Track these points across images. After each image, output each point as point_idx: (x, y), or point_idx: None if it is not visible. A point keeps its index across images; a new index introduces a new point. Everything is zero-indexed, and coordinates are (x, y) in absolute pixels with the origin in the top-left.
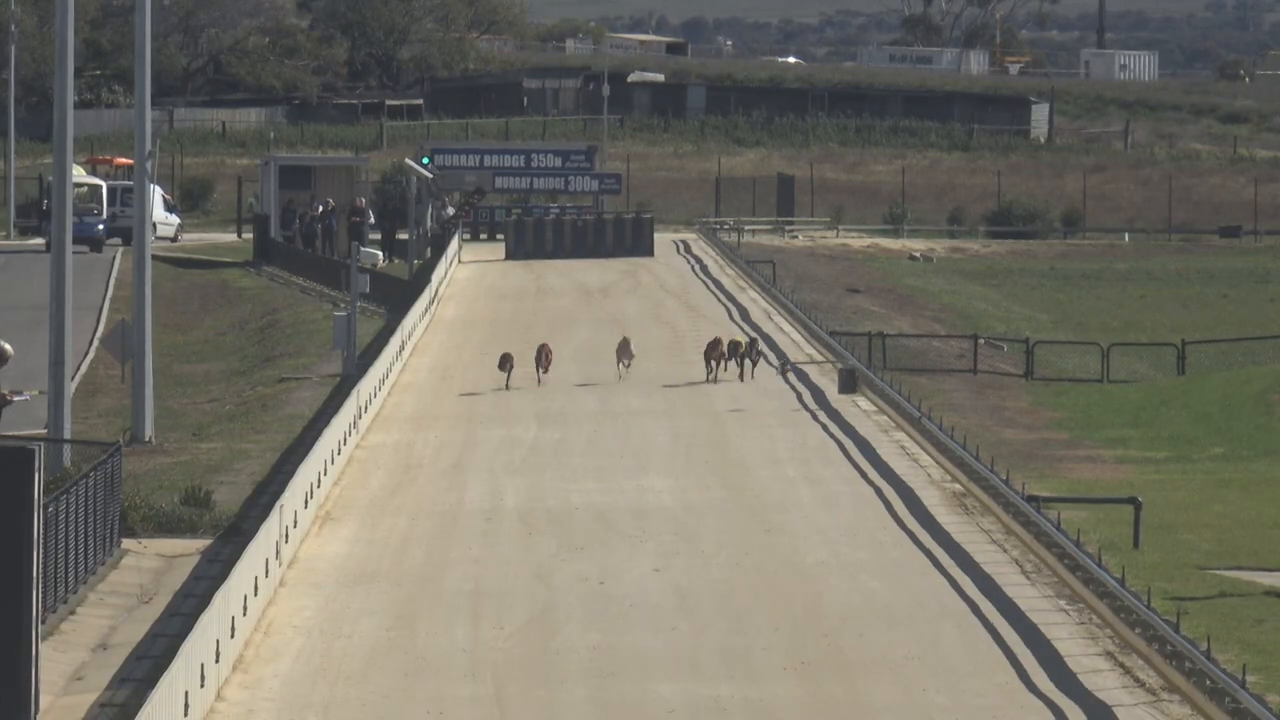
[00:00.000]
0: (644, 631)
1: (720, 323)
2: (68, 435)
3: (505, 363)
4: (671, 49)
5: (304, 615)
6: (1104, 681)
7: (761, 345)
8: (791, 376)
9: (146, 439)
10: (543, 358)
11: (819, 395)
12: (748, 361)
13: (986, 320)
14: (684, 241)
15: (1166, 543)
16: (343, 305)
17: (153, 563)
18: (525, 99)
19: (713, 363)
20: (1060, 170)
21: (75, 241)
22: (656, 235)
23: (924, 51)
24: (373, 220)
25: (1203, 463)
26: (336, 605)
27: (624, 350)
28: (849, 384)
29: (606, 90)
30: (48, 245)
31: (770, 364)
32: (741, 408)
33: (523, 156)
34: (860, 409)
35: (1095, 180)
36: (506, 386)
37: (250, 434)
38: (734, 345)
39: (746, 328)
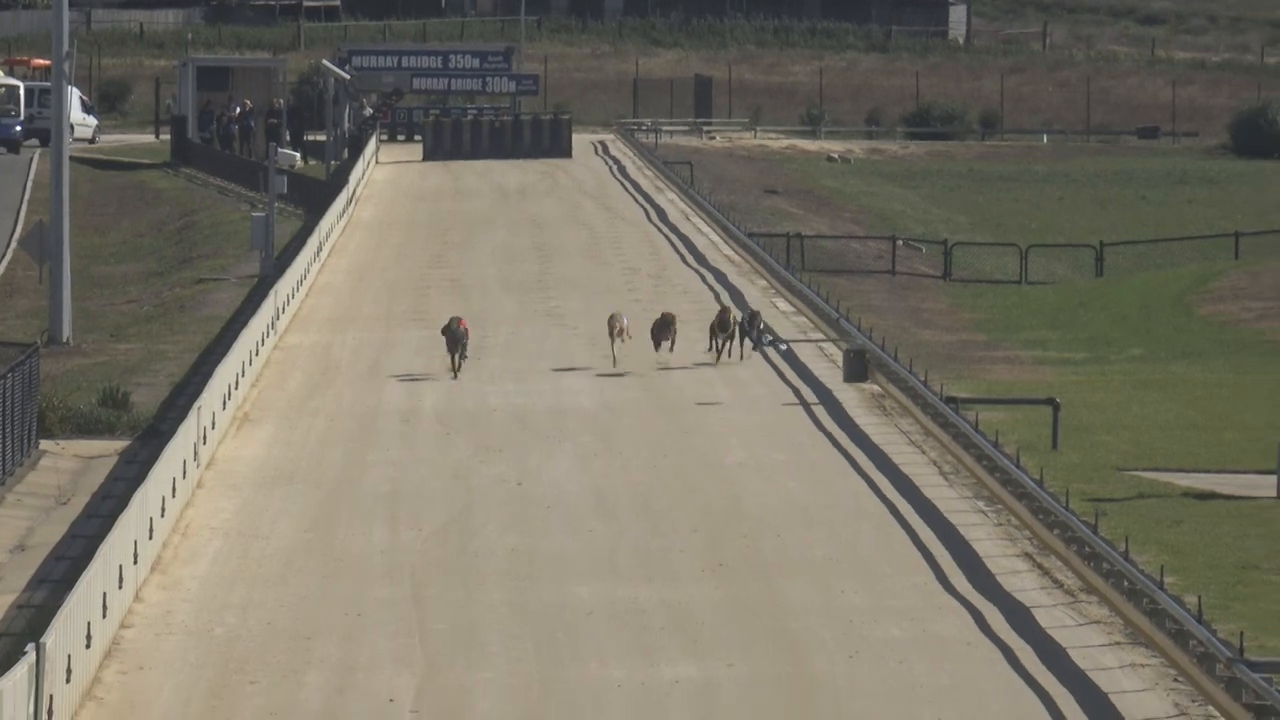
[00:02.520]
0: (562, 534)
1: (638, 224)
2: None
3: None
4: None
5: (222, 517)
6: (1022, 583)
7: (763, 322)
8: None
9: (64, 340)
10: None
11: (737, 296)
12: (747, 339)
13: (904, 222)
14: (602, 143)
15: (1085, 444)
16: (260, 206)
17: (70, 464)
18: (443, 0)
19: (717, 340)
20: (978, 72)
21: None
22: (574, 137)
23: None
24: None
25: (1121, 364)
26: (254, 507)
27: (614, 324)
28: (858, 369)
29: None
30: None
31: (769, 344)
32: (670, 307)
33: (440, 58)
34: (779, 310)
35: (1013, 82)
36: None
37: (168, 335)
38: (727, 320)
39: (665, 229)
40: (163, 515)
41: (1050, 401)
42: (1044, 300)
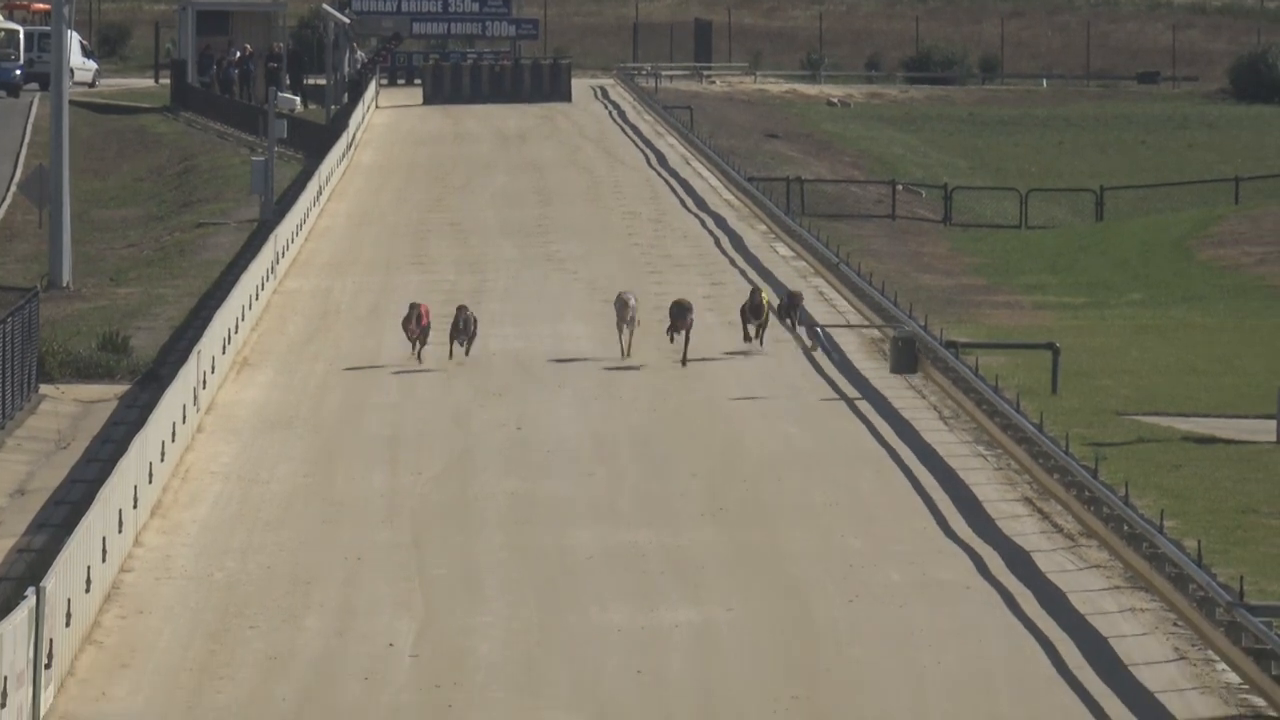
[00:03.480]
0: (562, 478)
1: (638, 168)
2: None
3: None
4: None
5: (222, 461)
6: (1022, 527)
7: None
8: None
9: (64, 284)
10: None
11: (737, 241)
12: (787, 320)
13: (904, 166)
14: (602, 87)
15: (1084, 388)
16: (260, 151)
17: (70, 408)
18: None
19: (750, 327)
20: (978, 16)
21: None
22: (574, 81)
23: None
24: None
25: (1121, 308)
26: (254, 451)
27: (620, 312)
28: (907, 359)
29: None
30: None
31: (800, 335)
32: (669, 254)
33: (440, 2)
34: (779, 254)
35: (1013, 26)
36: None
37: (168, 279)
38: (760, 301)
39: (664, 173)
40: (162, 460)
41: (1050, 346)
42: (1044, 244)
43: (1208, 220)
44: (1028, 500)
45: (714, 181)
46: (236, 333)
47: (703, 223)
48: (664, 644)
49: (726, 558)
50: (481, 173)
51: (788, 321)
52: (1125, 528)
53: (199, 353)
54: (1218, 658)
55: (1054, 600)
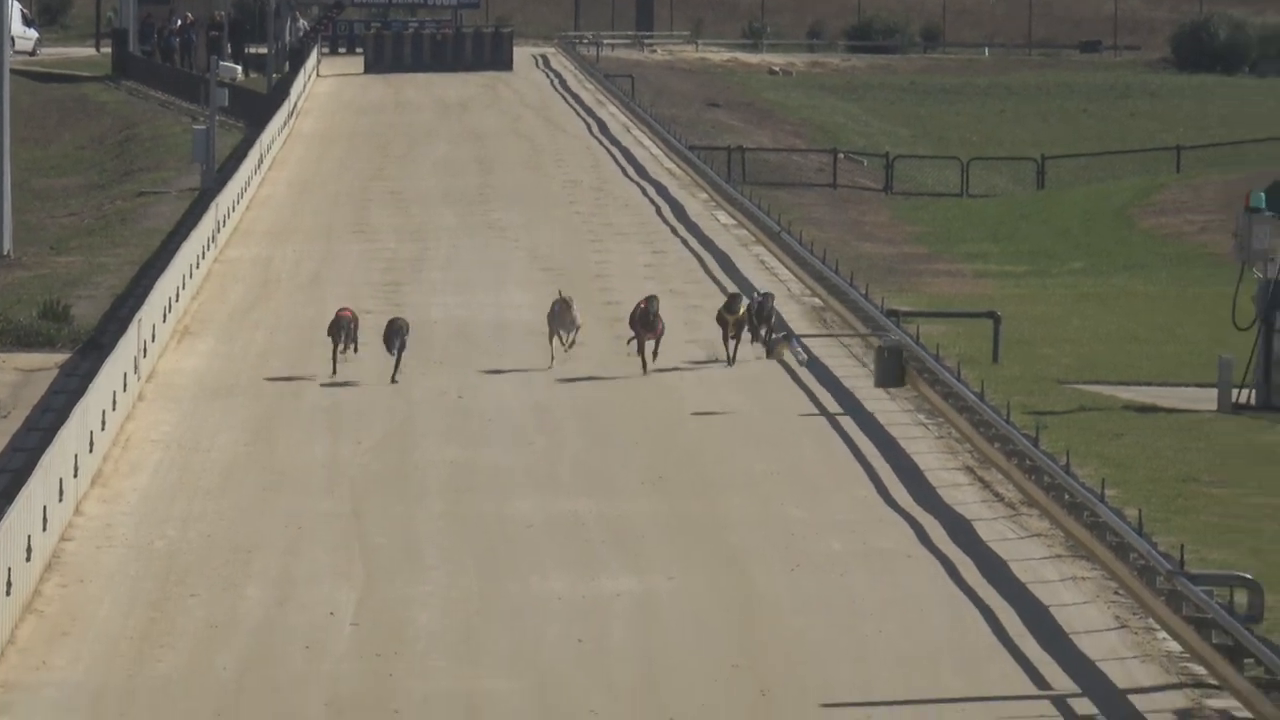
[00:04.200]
0: (502, 447)
1: (579, 137)
2: None
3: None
4: None
5: (162, 430)
6: (963, 496)
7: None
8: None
9: (4, 253)
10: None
11: (679, 209)
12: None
13: (846, 134)
14: (543, 56)
15: (1026, 357)
16: (201, 119)
17: (10, 377)
18: None
19: (730, 339)
20: None
21: None
22: (516, 50)
23: None
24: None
25: (1062, 277)
26: (195, 420)
27: (562, 318)
28: (892, 372)
29: None
30: None
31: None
32: (610, 223)
33: None
34: (720, 223)
35: None
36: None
37: (109, 248)
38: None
39: (606, 142)
40: (103, 428)
41: (991, 314)
42: (985, 213)
43: (1149, 189)
44: (969, 469)
45: (655, 150)
46: (178, 301)
47: (644, 191)
48: (605, 613)
49: (667, 527)
50: (423, 141)
51: (762, 331)
52: (1066, 496)
53: (140, 321)
54: (1158, 626)
55: (995, 569)
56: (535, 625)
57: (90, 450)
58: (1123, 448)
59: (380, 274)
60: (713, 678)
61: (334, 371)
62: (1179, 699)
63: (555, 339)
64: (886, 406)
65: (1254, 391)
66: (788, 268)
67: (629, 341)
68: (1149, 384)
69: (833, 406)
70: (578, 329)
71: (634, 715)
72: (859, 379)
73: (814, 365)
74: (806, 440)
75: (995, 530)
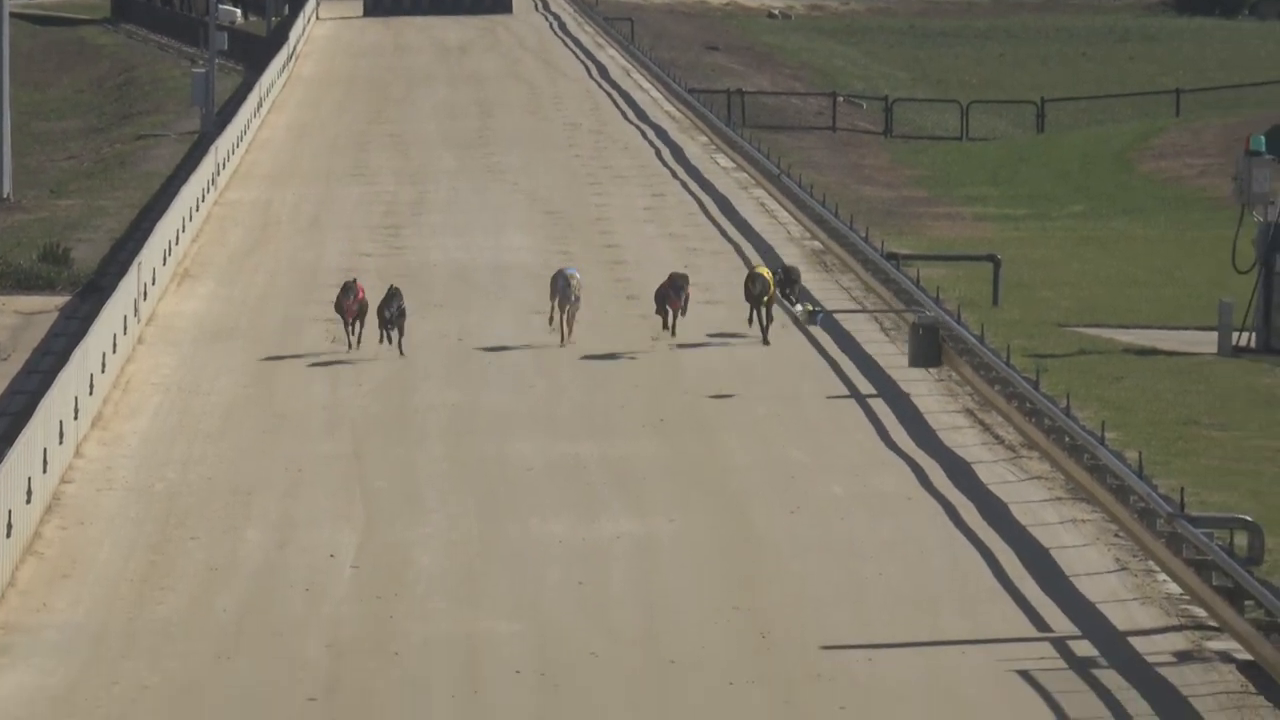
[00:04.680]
0: (502, 389)
1: (579, 80)
2: None
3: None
4: None
5: (162, 372)
6: (964, 439)
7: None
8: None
9: (4, 196)
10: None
11: (678, 152)
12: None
13: (845, 78)
14: None
15: (1026, 300)
16: (201, 62)
17: (11, 320)
18: None
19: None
20: None
21: None
22: None
23: None
24: None
25: (1062, 220)
26: (195, 362)
27: (563, 291)
28: (929, 351)
29: None
30: None
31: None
32: (610, 166)
33: None
34: (720, 166)
35: None
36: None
37: (108, 191)
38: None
39: (605, 85)
40: (103, 371)
41: (991, 258)
42: (985, 156)
43: (1149, 132)
44: (969, 412)
45: (655, 94)
46: (177, 244)
47: (643, 134)
48: (605, 555)
49: (667, 469)
50: (422, 85)
51: (787, 301)
52: (1066, 439)
53: (140, 264)
54: (1158, 569)
55: (995, 512)
56: (536, 568)
57: (90, 393)
58: (1123, 391)
59: (380, 217)
60: (713, 620)
61: (349, 346)
62: (1179, 641)
63: (554, 310)
64: (885, 350)
65: (1254, 334)
66: (788, 210)
67: (657, 313)
68: (1149, 327)
69: (833, 350)
70: (576, 304)
71: (634, 658)
72: (858, 323)
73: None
74: (806, 382)
75: (995, 473)
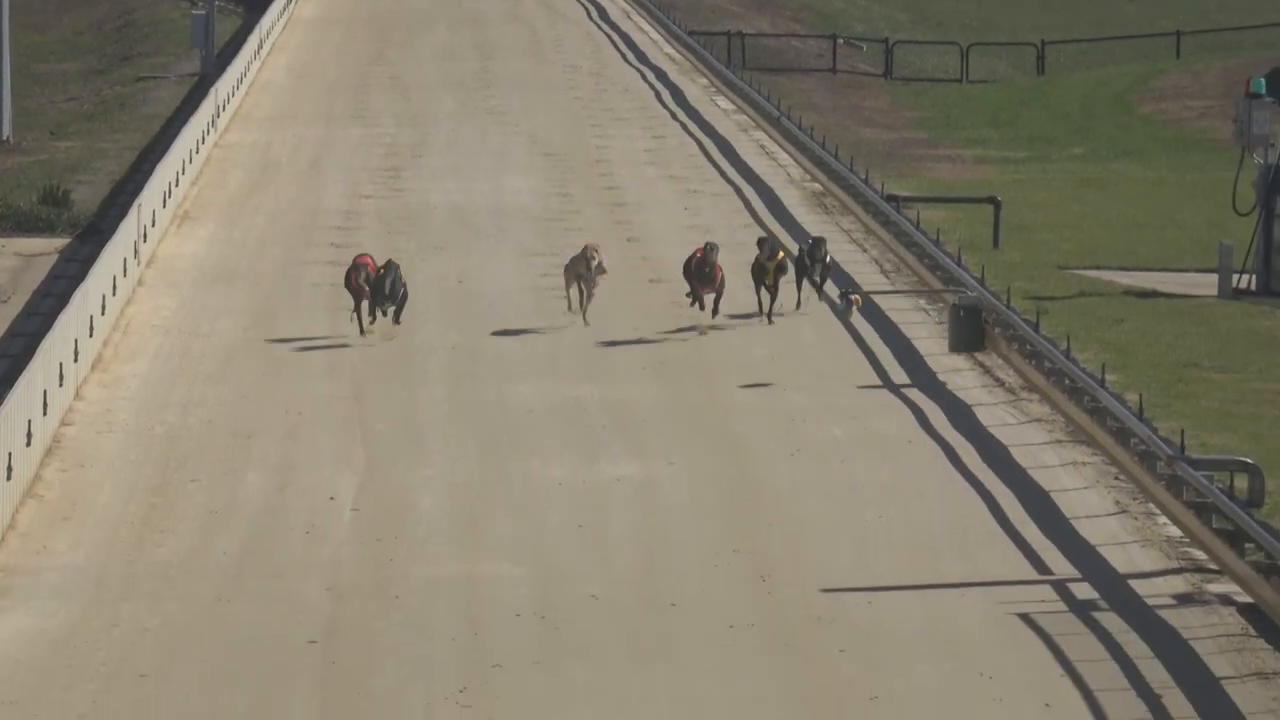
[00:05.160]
0: (503, 331)
1: (579, 22)
2: None
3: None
4: None
5: (162, 315)
6: (964, 381)
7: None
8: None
9: (4, 138)
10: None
11: (678, 94)
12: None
13: (845, 20)
14: None
15: (1026, 242)
16: (200, 4)
17: (11, 262)
18: None
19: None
20: None
21: None
22: None
23: None
24: None
25: (1062, 163)
26: (195, 304)
27: (581, 270)
28: (971, 335)
29: None
30: None
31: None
32: (610, 108)
33: None
34: (720, 108)
35: None
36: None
37: (108, 133)
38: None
39: (605, 27)
40: (103, 313)
41: (991, 200)
42: (985, 98)
43: (1149, 74)
44: (970, 354)
45: (655, 35)
46: (177, 186)
47: (643, 76)
48: (605, 498)
49: (668, 412)
50: (422, 27)
51: (815, 277)
52: (1067, 382)
53: (139, 206)
54: (1159, 511)
55: (996, 454)
56: (536, 510)
57: (90, 335)
58: (1123, 333)
59: (380, 159)
60: (712, 563)
61: (361, 332)
62: (1179, 583)
63: (573, 289)
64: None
65: (1254, 277)
66: (788, 152)
67: (686, 295)
68: (1149, 269)
69: (833, 292)
70: (596, 282)
71: (634, 600)
72: (859, 265)
73: None
74: (806, 325)
75: (996, 415)
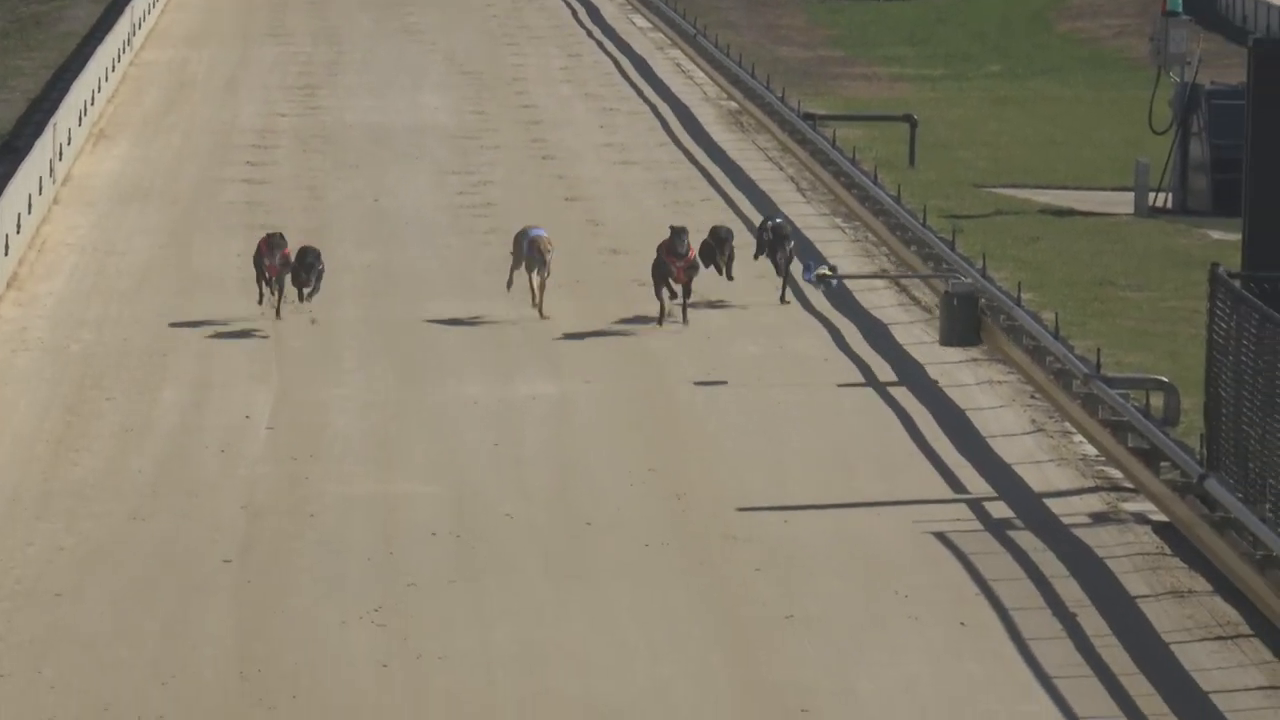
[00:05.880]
0: (419, 250)
1: None
2: None
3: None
4: None
5: (78, 233)
6: (879, 299)
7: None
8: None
9: None
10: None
11: (594, 13)
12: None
13: None
14: None
15: (942, 160)
16: None
17: None
18: None
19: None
20: None
21: None
22: None
23: None
24: None
25: (979, 81)
26: (110, 223)
27: (529, 256)
28: (965, 327)
29: None
30: None
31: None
32: (526, 25)
33: None
34: (636, 26)
35: None
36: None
37: (23, 51)
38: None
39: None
40: (18, 232)
41: (908, 118)
42: (902, 16)
43: None
44: (885, 272)
45: None
46: (93, 105)
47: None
48: (521, 417)
49: (585, 330)
50: None
51: (779, 255)
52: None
53: (55, 125)
54: (1074, 430)
55: (911, 372)
56: (452, 429)
57: (5, 254)
58: (1039, 251)
59: (296, 78)
60: (628, 482)
61: (278, 316)
62: (1095, 502)
63: (519, 271)
64: (802, 210)
65: (1170, 195)
66: (704, 71)
67: (656, 295)
68: (1066, 187)
69: (748, 211)
70: (547, 270)
71: (549, 518)
72: (775, 183)
73: (731, 168)
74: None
75: (911, 334)
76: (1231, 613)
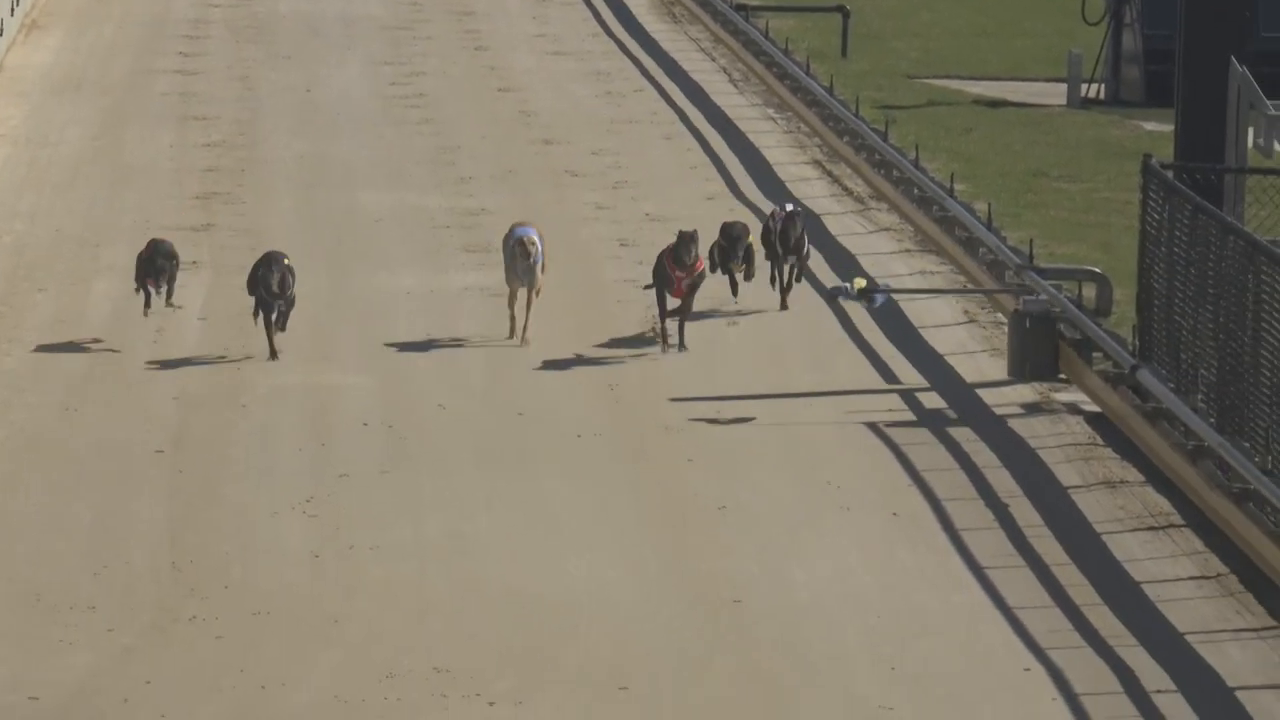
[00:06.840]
0: (351, 140)
1: None
2: None
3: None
4: None
5: (10, 125)
6: (812, 190)
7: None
8: None
9: None
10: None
11: None
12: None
13: None
14: None
15: (875, 51)
16: None
17: None
18: None
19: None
20: None
21: None
22: None
23: None
24: None
25: None
26: (43, 114)
27: (523, 267)
28: (1043, 358)
29: None
30: None
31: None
32: None
33: None
34: None
35: None
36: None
37: None
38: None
39: None
40: None
41: (840, 9)
42: None
43: None
44: (817, 163)
45: None
46: None
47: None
48: (454, 308)
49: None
50: None
51: (789, 262)
52: (915, 191)
53: None
54: (1006, 320)
55: (843, 263)
56: (383, 320)
57: None
58: (972, 142)
59: None
60: (560, 372)
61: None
62: (1027, 393)
63: (516, 299)
64: (734, 101)
65: (1103, 86)
66: None
67: (645, 288)
68: (998, 79)
69: (681, 102)
70: (538, 276)
71: (482, 409)
72: (707, 74)
73: (661, 57)
74: (655, 134)
75: (844, 224)
76: (1163, 503)
